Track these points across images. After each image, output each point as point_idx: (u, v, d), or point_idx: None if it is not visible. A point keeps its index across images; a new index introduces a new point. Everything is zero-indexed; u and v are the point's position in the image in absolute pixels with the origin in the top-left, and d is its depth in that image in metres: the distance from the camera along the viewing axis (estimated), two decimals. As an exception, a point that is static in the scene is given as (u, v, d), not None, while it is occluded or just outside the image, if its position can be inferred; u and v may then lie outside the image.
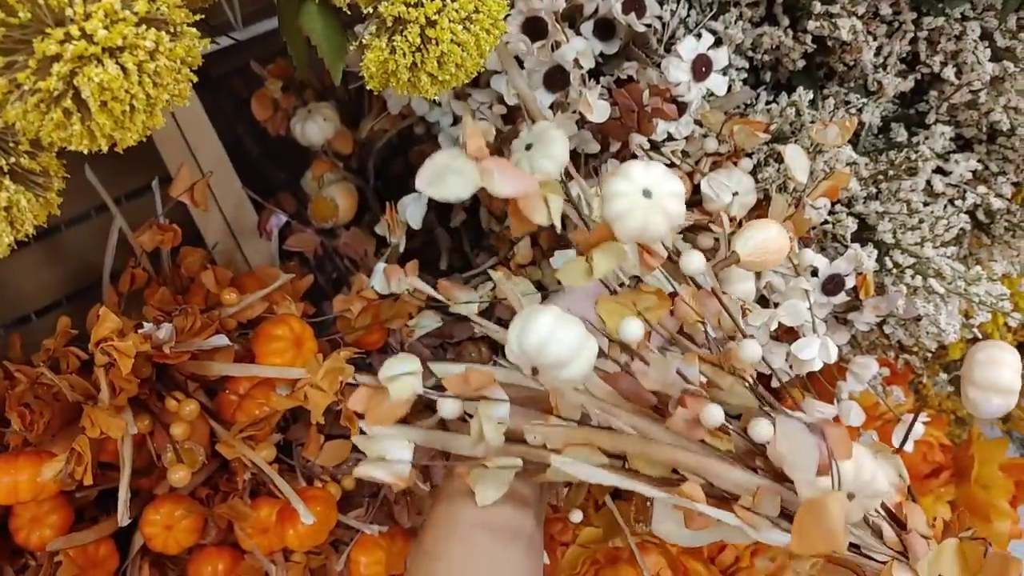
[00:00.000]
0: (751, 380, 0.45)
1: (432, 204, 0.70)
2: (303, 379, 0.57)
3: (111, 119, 0.36)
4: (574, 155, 0.65)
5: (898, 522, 0.44)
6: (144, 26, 0.35)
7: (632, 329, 0.43)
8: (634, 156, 0.65)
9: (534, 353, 0.39)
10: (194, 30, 0.38)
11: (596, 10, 0.65)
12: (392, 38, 0.41)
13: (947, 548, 0.43)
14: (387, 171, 0.82)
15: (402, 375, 0.41)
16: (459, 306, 0.60)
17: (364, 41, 0.42)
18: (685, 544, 0.44)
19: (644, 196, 0.41)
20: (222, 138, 0.74)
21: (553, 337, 0.38)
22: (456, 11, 0.41)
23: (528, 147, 0.45)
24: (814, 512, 0.37)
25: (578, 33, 0.64)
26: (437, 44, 0.41)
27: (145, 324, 0.52)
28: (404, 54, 0.41)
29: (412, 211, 0.66)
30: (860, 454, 0.40)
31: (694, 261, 0.46)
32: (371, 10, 0.41)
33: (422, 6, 0.41)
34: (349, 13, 0.43)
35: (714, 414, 0.42)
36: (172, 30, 0.37)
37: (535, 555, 0.46)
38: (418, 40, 0.41)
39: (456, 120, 0.72)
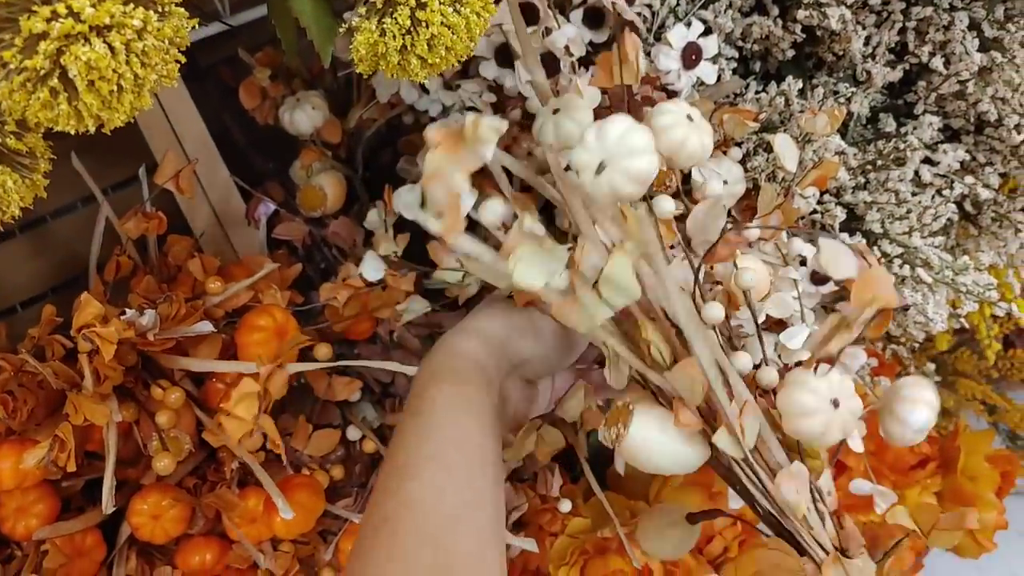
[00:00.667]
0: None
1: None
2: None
3: (98, 99, 0.35)
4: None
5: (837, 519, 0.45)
6: (132, 5, 0.35)
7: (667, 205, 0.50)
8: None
9: (615, 140, 0.40)
10: (182, 10, 0.37)
11: (586, -2, 0.65)
12: (382, 20, 0.41)
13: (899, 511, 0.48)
14: (376, 161, 0.82)
15: (488, 124, 0.40)
16: (443, 272, 0.59)
17: (354, 23, 0.41)
18: (665, 466, 0.45)
19: (688, 119, 0.47)
20: (209, 127, 0.73)
21: (634, 128, 0.41)
22: (447, -7, 0.41)
23: (555, 111, 0.47)
24: (869, 275, 0.43)
25: (568, 21, 0.64)
26: (427, 26, 0.41)
27: (128, 311, 0.52)
28: (394, 36, 0.41)
29: (407, 201, 0.66)
30: (842, 372, 0.43)
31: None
32: (361, -8, 0.41)
33: (412, -12, 0.40)
34: (338, -5, 0.42)
35: (716, 311, 0.46)
36: (160, 10, 0.36)
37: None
38: (408, 22, 0.41)
39: (445, 110, 0.71)
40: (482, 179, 0.68)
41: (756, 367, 0.47)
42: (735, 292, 0.50)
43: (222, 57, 0.80)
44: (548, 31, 0.63)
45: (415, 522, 0.40)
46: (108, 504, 0.53)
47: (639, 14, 0.64)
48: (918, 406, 0.45)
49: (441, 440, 0.43)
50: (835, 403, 0.42)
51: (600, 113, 0.65)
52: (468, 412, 0.45)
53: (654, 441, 0.44)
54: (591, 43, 0.66)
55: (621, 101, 0.65)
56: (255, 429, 0.58)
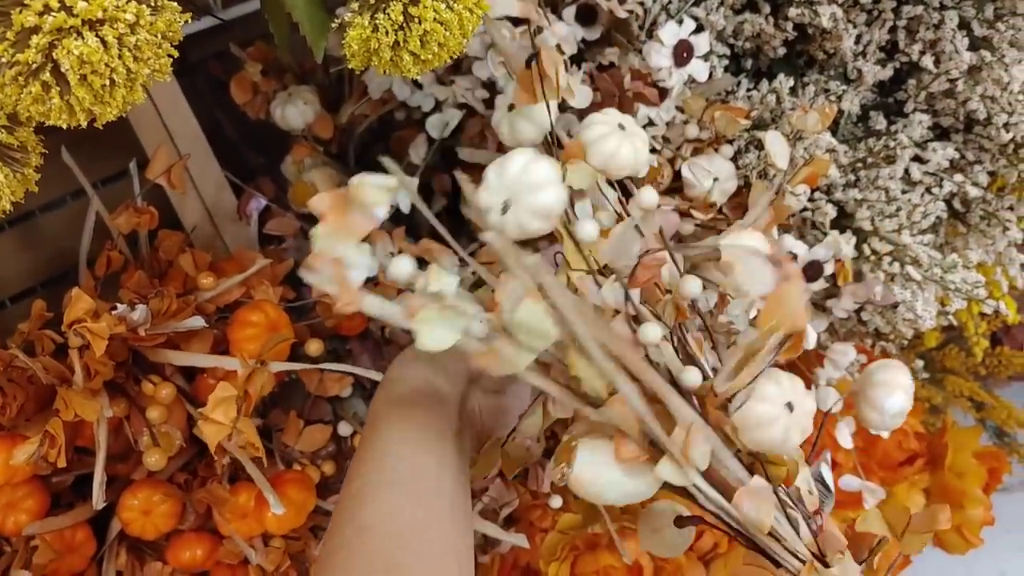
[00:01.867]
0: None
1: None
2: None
3: (91, 93, 0.35)
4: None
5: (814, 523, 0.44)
6: (124, -1, 0.35)
7: (588, 229, 0.44)
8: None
9: (515, 176, 0.40)
10: (175, 4, 0.37)
11: (579, -5, 0.65)
12: (375, 16, 0.41)
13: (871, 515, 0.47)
14: (367, 157, 0.82)
15: (375, 185, 0.39)
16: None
17: (347, 19, 0.41)
18: (612, 498, 0.42)
19: (619, 128, 0.47)
20: (200, 122, 0.73)
21: (533, 162, 0.41)
22: (440, -11, 0.41)
23: (511, 108, 0.47)
24: (779, 296, 0.39)
25: (560, 19, 0.64)
26: (420, 23, 0.41)
27: (120, 306, 0.52)
28: (386, 32, 0.41)
29: (400, 196, 0.66)
30: (789, 374, 0.41)
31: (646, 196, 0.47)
32: (354, -13, 0.41)
33: (405, -16, 0.40)
34: (332, -9, 0.42)
35: (653, 331, 0.42)
36: (153, 4, 0.36)
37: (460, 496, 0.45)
38: (401, 18, 0.41)
39: (438, 105, 0.71)
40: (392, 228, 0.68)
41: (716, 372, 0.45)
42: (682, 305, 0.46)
43: (213, 52, 0.79)
44: (539, 30, 0.63)
45: (367, 546, 0.40)
46: (99, 499, 0.53)
47: (631, 12, 0.64)
48: (893, 391, 0.45)
49: (394, 467, 0.43)
50: (790, 406, 0.40)
51: (591, 110, 0.66)
52: (421, 437, 0.45)
53: (601, 476, 0.41)
54: (583, 40, 0.66)
55: (612, 97, 0.65)
56: (234, 432, 0.58)
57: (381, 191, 0.39)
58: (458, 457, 0.46)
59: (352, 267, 0.38)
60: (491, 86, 0.68)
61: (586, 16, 0.65)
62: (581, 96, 0.63)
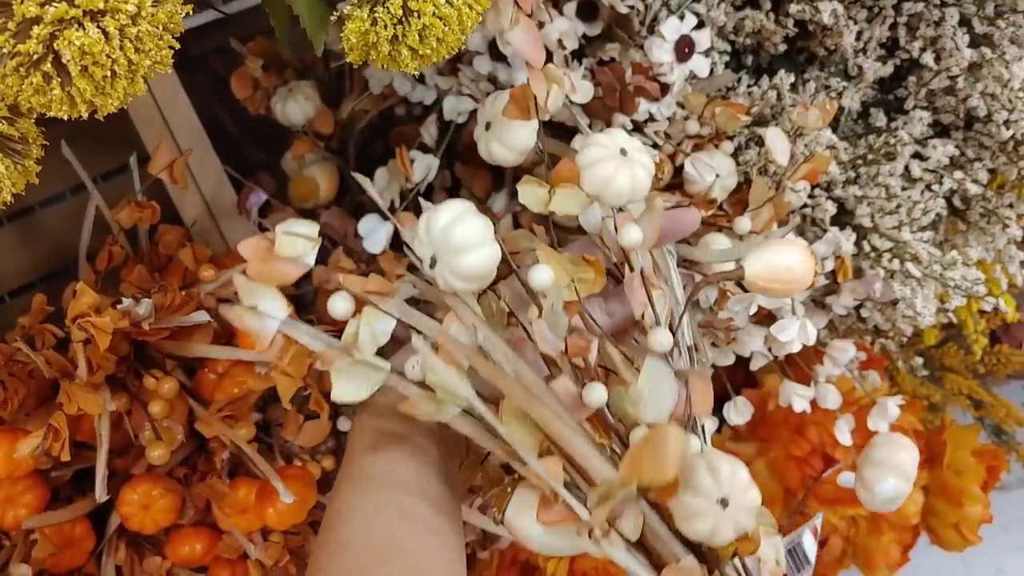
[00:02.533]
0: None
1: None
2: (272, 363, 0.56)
3: (92, 84, 0.35)
4: (560, 132, 0.65)
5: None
6: (126, -10, 0.35)
7: (541, 276, 0.41)
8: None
9: (439, 234, 0.39)
10: (177, -5, 0.37)
11: (580, -9, 0.65)
12: (374, 9, 0.41)
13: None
14: (367, 152, 0.82)
15: (297, 234, 0.38)
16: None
17: (346, 11, 0.41)
18: (537, 549, 0.40)
19: (620, 153, 0.44)
20: (200, 117, 0.73)
21: (460, 220, 0.39)
22: (441, -17, 0.41)
23: (488, 127, 0.44)
24: (653, 439, 0.35)
25: (561, 14, 0.64)
26: (419, 17, 0.41)
27: (124, 300, 0.52)
28: (385, 26, 0.41)
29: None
30: (734, 464, 0.39)
31: (631, 233, 0.44)
32: (355, -20, 0.41)
33: (407, -22, 0.40)
34: (333, -16, 0.42)
35: (598, 394, 0.39)
36: (155, -5, 0.36)
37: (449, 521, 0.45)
38: (400, 12, 0.41)
39: (439, 99, 0.71)
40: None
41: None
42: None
43: (213, 47, 0.79)
44: (540, 25, 0.63)
45: (345, 562, 0.40)
46: (101, 493, 0.53)
47: (632, 7, 0.64)
48: (886, 473, 0.42)
49: (374, 483, 0.43)
50: (723, 502, 0.37)
51: (591, 107, 0.66)
52: (402, 447, 0.45)
53: (528, 528, 0.40)
54: (584, 36, 0.66)
55: (613, 91, 0.65)
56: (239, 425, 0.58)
57: (305, 241, 0.38)
58: (442, 462, 0.46)
59: (267, 317, 0.38)
60: (494, 80, 0.68)
61: (587, 12, 0.65)
62: (582, 91, 0.63)
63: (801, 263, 0.45)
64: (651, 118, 0.65)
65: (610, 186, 0.44)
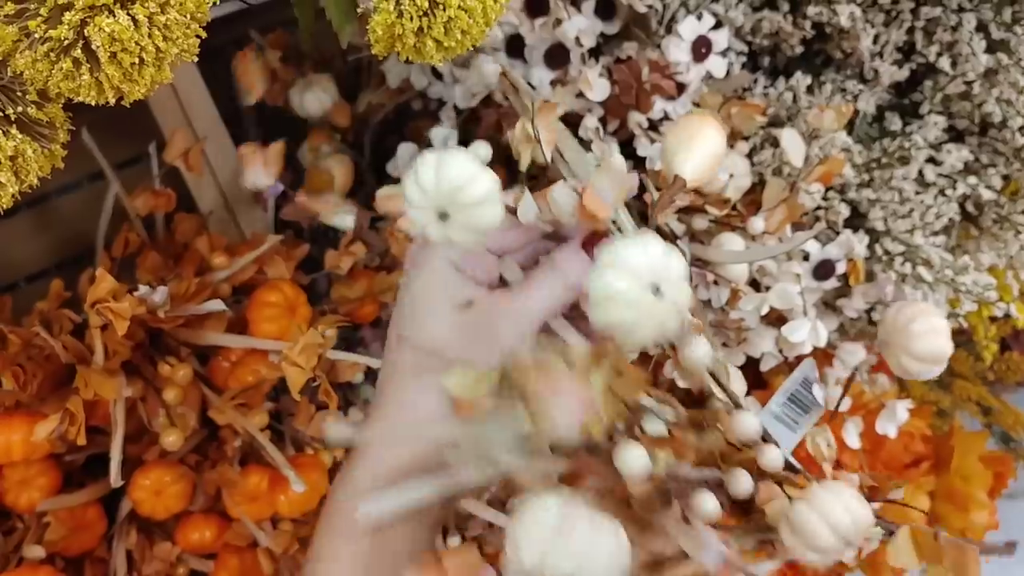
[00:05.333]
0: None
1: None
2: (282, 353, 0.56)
3: (120, 71, 0.35)
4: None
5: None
6: (156, -22, 0.35)
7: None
8: (632, 136, 0.66)
9: (451, 188, 0.35)
10: (204, -15, 0.38)
11: (599, -11, 0.65)
12: (400, 2, 0.41)
13: (901, 534, 0.40)
14: (383, 146, 0.82)
15: None
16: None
17: (372, 4, 0.42)
18: None
19: (651, 291, 0.33)
20: (219, 107, 0.73)
21: (475, 178, 0.35)
22: (465, -23, 0.41)
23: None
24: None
25: (579, 12, 0.65)
26: (444, 9, 0.41)
27: (140, 287, 0.52)
28: (411, 18, 0.41)
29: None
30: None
31: (699, 350, 0.36)
32: (380, -27, 0.41)
33: (432, -29, 0.41)
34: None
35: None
36: (183, -16, 0.36)
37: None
38: (426, 4, 0.41)
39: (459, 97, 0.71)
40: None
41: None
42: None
43: (232, 38, 0.80)
44: (558, 22, 0.63)
45: None
46: (116, 478, 0.53)
47: (650, 7, 0.64)
48: (938, 337, 0.40)
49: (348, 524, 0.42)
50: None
51: (608, 104, 0.66)
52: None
53: None
54: (602, 35, 0.66)
55: (629, 89, 0.65)
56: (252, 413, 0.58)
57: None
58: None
59: None
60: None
61: (606, 10, 0.66)
62: (599, 89, 0.64)
63: (718, 138, 0.45)
64: (666, 117, 0.65)
65: (631, 335, 0.33)
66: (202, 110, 0.72)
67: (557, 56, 0.65)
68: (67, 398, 0.51)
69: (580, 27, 0.63)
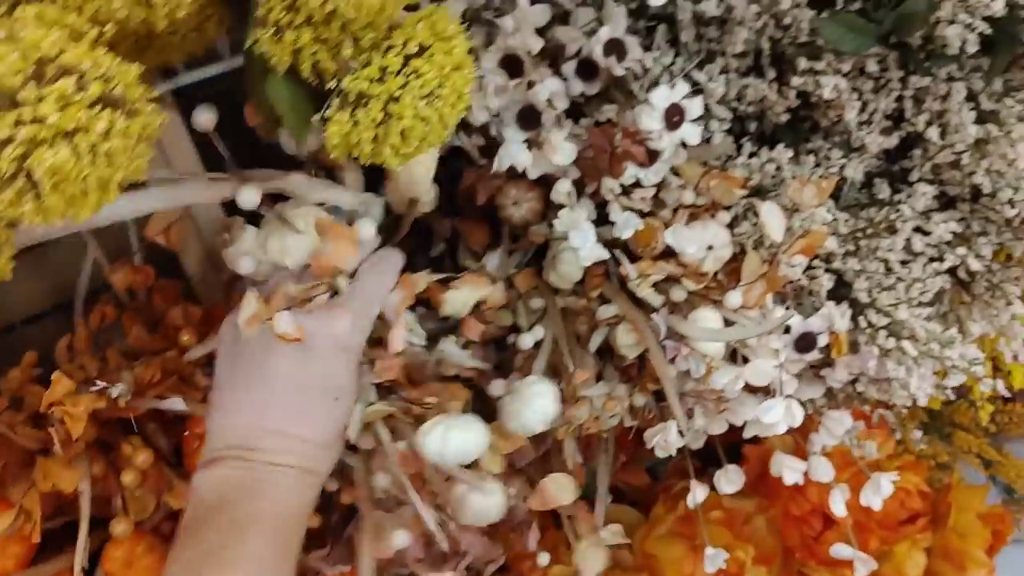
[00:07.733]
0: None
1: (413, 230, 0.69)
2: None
3: (63, 200, 0.35)
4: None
5: None
6: (99, 107, 0.35)
7: None
8: (604, 201, 0.65)
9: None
10: (152, 105, 0.37)
11: (580, 51, 0.64)
12: (354, 112, 0.41)
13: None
14: (370, 187, 0.81)
15: None
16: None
17: (327, 115, 0.42)
18: None
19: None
20: (202, 154, 0.73)
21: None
22: (419, 88, 0.41)
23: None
24: None
25: (558, 73, 0.64)
26: (400, 119, 0.41)
27: (98, 383, 0.52)
28: (366, 128, 0.41)
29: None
30: None
31: None
32: (335, 84, 0.41)
33: (385, 82, 0.40)
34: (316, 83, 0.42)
35: None
36: (129, 109, 0.36)
37: None
38: (380, 115, 0.41)
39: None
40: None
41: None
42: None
43: (218, 90, 0.79)
44: (531, 84, 0.63)
45: None
46: (82, 561, 0.54)
47: (628, 69, 0.63)
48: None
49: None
50: None
51: (584, 167, 0.65)
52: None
53: None
54: (583, 95, 0.65)
55: (603, 153, 0.64)
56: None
57: None
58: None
59: None
60: (484, 129, 0.67)
61: (587, 71, 0.65)
62: (564, 153, 0.62)
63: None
64: (638, 184, 0.64)
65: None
66: (185, 160, 0.71)
67: (530, 117, 0.64)
68: (28, 491, 0.51)
69: (552, 90, 0.62)
